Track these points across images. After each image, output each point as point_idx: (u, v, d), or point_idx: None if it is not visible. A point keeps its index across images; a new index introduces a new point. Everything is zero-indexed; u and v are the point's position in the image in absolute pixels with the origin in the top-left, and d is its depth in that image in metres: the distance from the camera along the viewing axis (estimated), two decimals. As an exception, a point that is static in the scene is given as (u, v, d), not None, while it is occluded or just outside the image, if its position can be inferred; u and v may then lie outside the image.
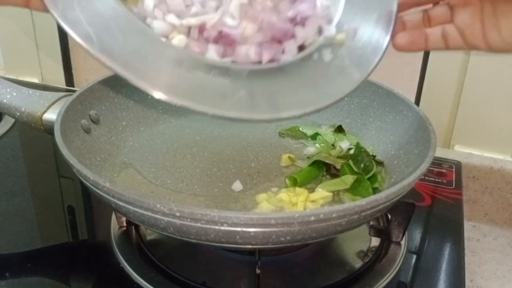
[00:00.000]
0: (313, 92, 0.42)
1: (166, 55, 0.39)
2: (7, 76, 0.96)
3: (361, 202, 0.40)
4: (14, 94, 0.54)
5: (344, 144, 0.60)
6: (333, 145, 0.61)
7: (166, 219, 0.39)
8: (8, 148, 0.73)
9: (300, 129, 0.64)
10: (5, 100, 0.54)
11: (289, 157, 0.59)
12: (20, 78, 0.94)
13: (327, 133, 0.63)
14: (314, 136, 0.63)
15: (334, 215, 0.39)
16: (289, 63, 0.42)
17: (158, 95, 0.37)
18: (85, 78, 0.94)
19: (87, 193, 0.63)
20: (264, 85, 0.41)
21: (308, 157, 0.59)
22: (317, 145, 0.61)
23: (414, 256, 0.53)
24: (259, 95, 0.40)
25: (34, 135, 0.74)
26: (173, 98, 0.37)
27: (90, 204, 0.62)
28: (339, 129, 0.63)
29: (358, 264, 0.51)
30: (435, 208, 0.62)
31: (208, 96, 0.39)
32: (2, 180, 0.65)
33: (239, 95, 0.40)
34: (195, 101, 0.38)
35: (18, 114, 0.54)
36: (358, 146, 0.58)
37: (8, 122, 0.76)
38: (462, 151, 0.74)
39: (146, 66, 0.38)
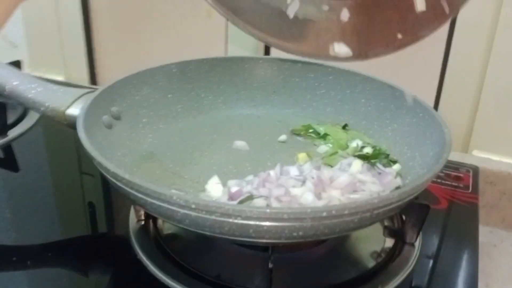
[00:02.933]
0: None
1: None
2: (32, 74, 0.98)
3: (374, 200, 0.40)
4: (39, 89, 0.56)
5: (358, 142, 0.60)
6: (345, 144, 0.61)
7: (182, 211, 0.40)
8: (31, 144, 0.74)
9: (313, 127, 0.65)
10: (30, 95, 0.55)
11: (307, 155, 0.59)
12: (45, 76, 0.96)
13: (337, 131, 0.63)
14: (324, 136, 0.63)
15: (346, 212, 0.39)
16: None
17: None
18: (108, 77, 0.96)
19: (107, 189, 0.64)
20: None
21: (324, 157, 0.59)
22: (329, 144, 0.62)
23: (429, 259, 0.53)
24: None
25: (58, 131, 0.76)
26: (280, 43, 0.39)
27: (110, 201, 0.63)
28: (343, 128, 0.64)
29: (371, 264, 0.51)
30: (451, 212, 0.62)
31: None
32: (25, 175, 0.67)
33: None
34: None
35: (42, 108, 0.55)
36: (375, 149, 0.59)
37: (32, 118, 0.78)
38: (480, 156, 0.74)
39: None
